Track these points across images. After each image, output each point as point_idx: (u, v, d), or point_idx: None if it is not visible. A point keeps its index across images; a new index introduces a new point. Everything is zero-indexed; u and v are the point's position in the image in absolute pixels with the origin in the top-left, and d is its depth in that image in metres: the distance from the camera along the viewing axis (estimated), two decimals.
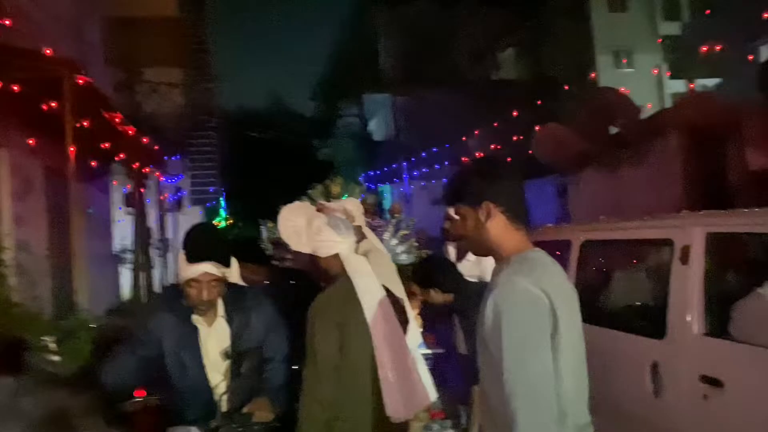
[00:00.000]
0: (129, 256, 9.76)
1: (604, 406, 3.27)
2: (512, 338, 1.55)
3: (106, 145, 7.44)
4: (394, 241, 4.07)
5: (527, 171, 14.38)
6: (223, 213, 20.42)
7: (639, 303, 3.33)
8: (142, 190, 9.10)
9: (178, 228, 12.27)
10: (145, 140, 8.52)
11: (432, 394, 3.50)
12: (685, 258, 2.87)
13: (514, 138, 12.69)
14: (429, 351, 3.72)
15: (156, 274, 10.58)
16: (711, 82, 24.83)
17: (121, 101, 10.19)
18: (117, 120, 7.13)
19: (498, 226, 1.70)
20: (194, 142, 16.52)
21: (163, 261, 11.44)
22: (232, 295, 2.62)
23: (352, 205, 3.08)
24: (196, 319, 2.55)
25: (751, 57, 14.82)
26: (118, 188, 10.43)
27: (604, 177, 9.32)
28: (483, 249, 1.77)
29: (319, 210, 3.12)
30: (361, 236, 3.01)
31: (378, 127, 23.22)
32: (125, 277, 9.92)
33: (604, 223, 3.76)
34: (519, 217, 1.73)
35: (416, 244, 4.11)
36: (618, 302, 3.45)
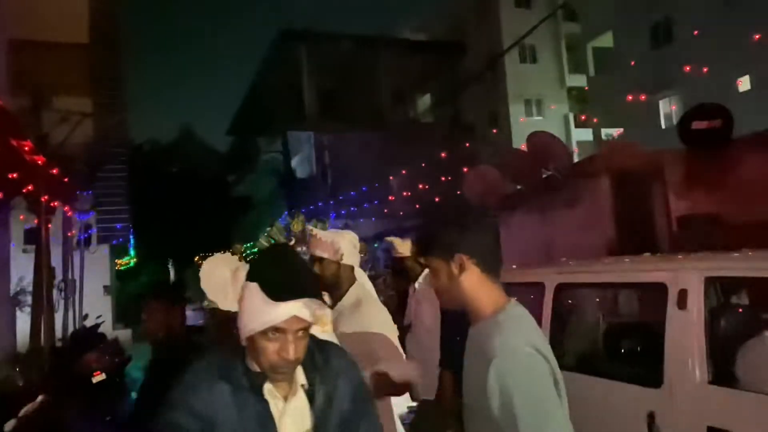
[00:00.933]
0: (28, 298, 8.80)
1: None
2: (534, 412, 1.48)
3: (13, 175, 6.70)
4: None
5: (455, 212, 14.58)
6: (131, 251, 19.16)
7: (628, 350, 3.20)
8: (48, 225, 8.27)
9: (85, 268, 11.25)
10: (54, 171, 7.80)
11: None
12: (682, 303, 2.77)
13: (442, 179, 12.77)
14: (414, 403, 3.41)
15: (59, 318, 9.59)
16: (613, 131, 26.55)
17: (26, 129, 9.34)
18: (26, 148, 6.45)
19: (472, 280, 1.64)
20: (103, 176, 15.50)
21: (67, 304, 10.40)
22: (309, 352, 1.69)
23: (348, 239, 2.73)
24: (269, 391, 1.64)
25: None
26: (19, 223, 9.45)
27: (535, 218, 9.44)
28: (458, 303, 1.69)
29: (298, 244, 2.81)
30: (351, 280, 2.69)
31: (301, 165, 22.84)
32: (23, 322, 8.91)
33: (581, 266, 3.64)
34: (494, 270, 1.67)
35: (383, 287, 3.84)
36: (604, 349, 3.31)
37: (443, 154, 13.89)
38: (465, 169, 11.75)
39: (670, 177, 8.34)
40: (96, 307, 12.15)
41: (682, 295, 2.77)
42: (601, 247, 8.03)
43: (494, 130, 20.83)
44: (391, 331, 2.63)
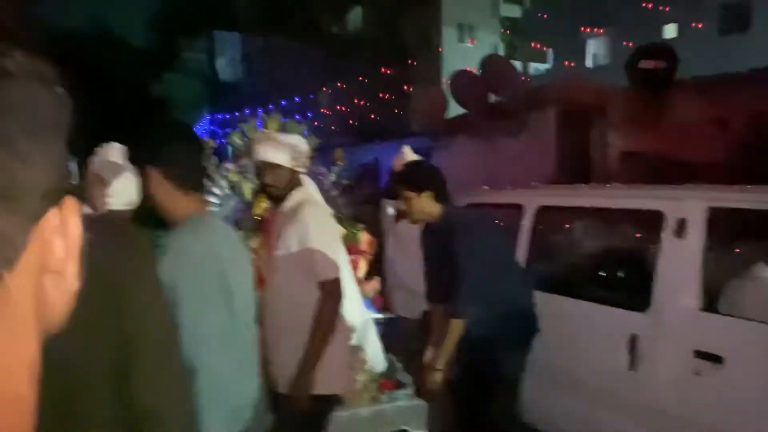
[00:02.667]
0: None
1: (579, 380, 3.20)
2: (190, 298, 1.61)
3: None
4: (335, 192, 3.60)
5: (388, 131, 14.37)
6: None
7: (613, 275, 3.25)
8: None
9: None
10: None
11: (381, 363, 3.16)
12: (681, 232, 2.80)
13: (380, 96, 12.48)
14: (379, 316, 3.37)
15: None
16: (542, 66, 26.91)
17: None
18: None
19: (164, 191, 1.74)
20: None
21: None
22: None
23: (297, 141, 2.52)
24: None
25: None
26: None
27: (477, 145, 9.45)
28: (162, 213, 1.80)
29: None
30: (292, 184, 2.49)
31: (227, 68, 21.55)
32: None
33: (566, 189, 3.62)
34: (187, 182, 1.75)
35: (360, 198, 3.67)
36: (588, 273, 3.35)
37: (382, 70, 13.52)
38: (404, 88, 11.54)
39: (613, 113, 8.55)
40: None
41: (681, 224, 2.80)
42: (540, 178, 8.19)
43: (435, 49, 20.43)
44: (331, 236, 2.50)
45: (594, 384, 3.11)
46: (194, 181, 1.77)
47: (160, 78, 22.64)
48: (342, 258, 2.51)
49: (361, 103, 14.88)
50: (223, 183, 3.30)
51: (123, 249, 1.01)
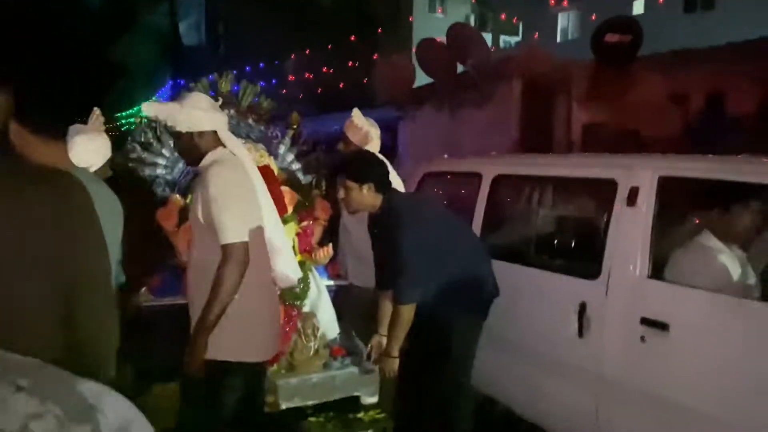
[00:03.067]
0: None
1: (528, 347, 3.23)
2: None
3: None
4: (290, 156, 3.51)
5: (355, 101, 14.20)
6: None
7: (565, 243, 3.26)
8: None
9: None
10: None
11: (334, 330, 3.16)
12: (632, 200, 2.80)
13: (349, 64, 12.28)
14: (332, 283, 3.34)
15: None
16: (511, 39, 26.89)
17: None
18: None
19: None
20: None
21: None
22: None
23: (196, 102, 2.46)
24: None
25: None
26: None
27: (443, 115, 9.41)
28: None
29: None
30: (203, 147, 2.42)
31: (189, 31, 20.90)
32: None
33: (524, 158, 3.60)
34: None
35: (314, 163, 3.58)
36: (541, 242, 3.35)
37: (350, 38, 13.29)
38: (373, 57, 11.37)
39: (576, 86, 8.59)
40: None
41: (633, 192, 2.80)
42: (503, 148, 8.21)
43: (406, 18, 20.18)
44: (238, 196, 2.38)
45: (543, 351, 3.14)
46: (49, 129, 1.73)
47: (121, 41, 21.87)
48: (264, 220, 2.42)
49: (329, 71, 14.64)
50: (172, 145, 3.18)
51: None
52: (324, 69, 14.26)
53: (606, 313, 2.85)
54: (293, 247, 3.07)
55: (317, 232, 3.24)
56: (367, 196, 2.91)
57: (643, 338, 2.67)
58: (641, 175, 2.80)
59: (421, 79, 10.29)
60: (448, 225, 3.16)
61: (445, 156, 4.40)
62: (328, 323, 3.16)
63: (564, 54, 10.47)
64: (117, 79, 21.58)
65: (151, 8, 22.05)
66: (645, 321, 2.66)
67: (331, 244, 3.15)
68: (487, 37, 27.64)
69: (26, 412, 0.81)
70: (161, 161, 3.16)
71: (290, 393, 2.94)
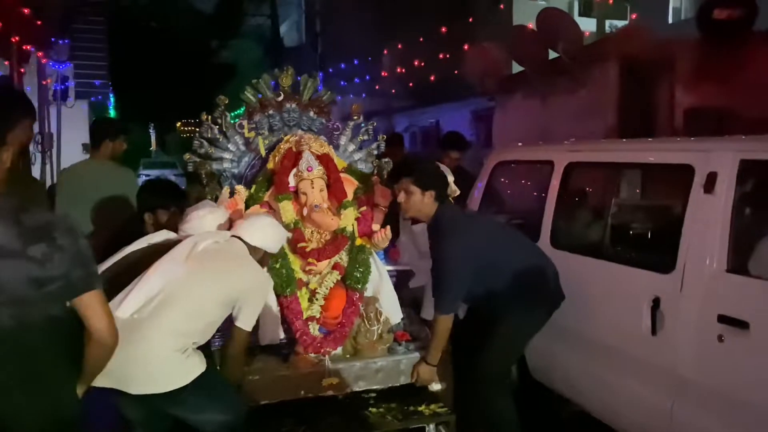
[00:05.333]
0: None
1: (598, 342, 3.08)
2: None
3: None
4: (352, 147, 3.51)
5: (445, 93, 14.06)
6: (111, 111, 18.47)
7: (639, 234, 3.06)
8: (21, 71, 7.73)
9: (62, 123, 10.76)
10: (26, 11, 7.17)
11: (397, 314, 3.13)
12: (710, 187, 2.57)
13: (440, 56, 12.16)
14: (392, 268, 3.32)
15: (36, 171, 9.27)
16: (618, 22, 25.45)
17: None
18: None
19: None
20: (80, 27, 14.53)
21: (44, 158, 10.01)
22: None
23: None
24: None
25: None
26: None
27: (535, 102, 9.09)
28: None
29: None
30: None
31: (290, 32, 21.64)
32: None
33: (595, 144, 3.41)
34: None
35: (375, 152, 3.57)
36: (613, 233, 3.16)
37: (443, 29, 13.14)
38: (465, 47, 11.16)
39: (680, 67, 7.97)
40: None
41: (711, 178, 2.57)
42: (600, 136, 7.80)
43: (500, 6, 19.67)
44: None
45: (616, 348, 2.97)
46: None
47: (226, 44, 23.03)
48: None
49: (421, 64, 14.58)
50: (238, 139, 3.29)
51: None
52: (416, 63, 14.18)
53: (681, 310, 2.65)
54: (353, 232, 3.08)
55: (378, 217, 3.22)
56: (426, 204, 2.96)
57: (720, 337, 2.46)
58: (720, 159, 2.57)
59: (518, 66, 10.00)
60: (502, 234, 3.18)
61: (519, 144, 4.24)
62: (390, 308, 3.12)
63: (677, 35, 9.74)
64: (225, 81, 22.78)
65: (255, 11, 23.04)
66: (723, 318, 2.45)
67: (389, 227, 3.13)
68: (592, 22, 26.38)
69: None
70: (227, 155, 3.26)
71: (355, 377, 2.94)
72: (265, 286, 2.58)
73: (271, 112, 3.31)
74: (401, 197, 3.00)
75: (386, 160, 3.54)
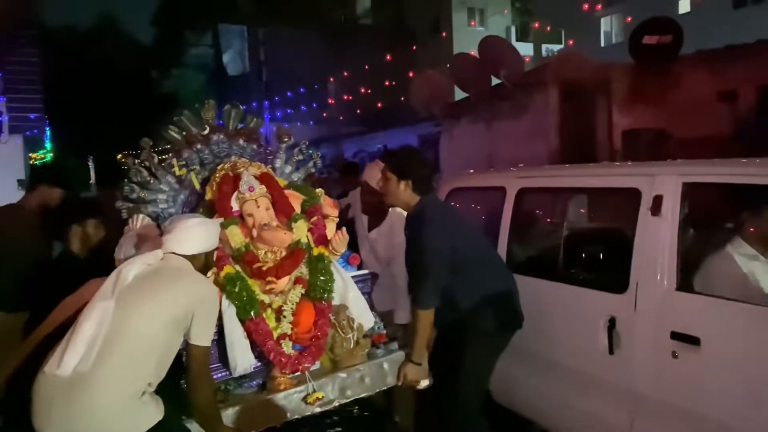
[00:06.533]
0: None
1: (557, 363, 3.13)
2: None
3: None
4: (289, 168, 3.44)
5: (395, 119, 14.26)
6: (48, 145, 17.82)
7: (592, 256, 3.15)
8: None
9: None
10: None
11: (369, 319, 3.08)
12: (656, 209, 2.69)
13: (386, 83, 12.36)
14: (358, 273, 3.23)
15: None
16: (554, 46, 26.50)
17: None
18: None
19: None
20: (13, 60, 14.03)
21: None
22: None
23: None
24: None
25: None
26: None
27: (480, 128, 9.32)
28: None
29: None
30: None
31: (233, 61, 21.51)
32: None
33: (545, 170, 3.52)
34: None
35: (313, 170, 3.53)
36: (567, 256, 3.25)
37: (388, 57, 13.37)
38: (410, 74, 11.38)
39: (615, 90, 8.34)
40: (9, 202, 11.25)
41: (657, 201, 2.69)
42: (543, 159, 8.04)
43: (443, 34, 20.18)
44: None
45: (574, 367, 3.04)
46: None
47: (168, 73, 22.69)
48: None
49: (368, 91, 14.77)
50: (170, 179, 3.13)
51: None
52: (362, 90, 14.36)
53: (636, 328, 2.74)
54: (308, 243, 2.99)
55: (330, 228, 3.13)
56: (402, 192, 2.92)
57: (674, 353, 2.55)
58: (664, 183, 2.69)
59: (462, 93, 10.26)
60: (477, 241, 3.10)
61: (471, 171, 4.33)
62: (361, 313, 3.01)
63: (609, 58, 10.20)
64: (167, 111, 22.37)
65: (196, 41, 22.83)
66: (676, 335, 2.54)
67: (345, 228, 3.08)
68: (529, 46, 27.41)
69: None
70: (162, 196, 3.10)
71: (341, 387, 2.83)
72: (213, 293, 2.37)
73: (199, 146, 3.17)
74: (379, 182, 2.97)
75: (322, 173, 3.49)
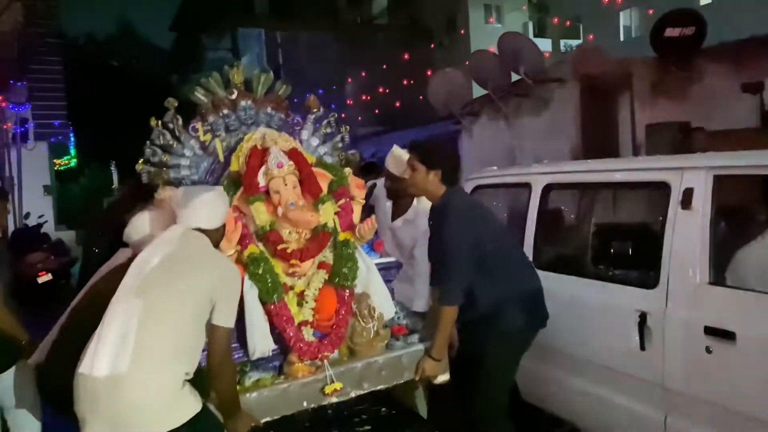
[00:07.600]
0: None
1: (588, 360, 3.10)
2: None
3: None
4: (315, 141, 3.33)
5: (413, 118, 14.24)
6: (72, 151, 18.14)
7: (621, 252, 3.12)
8: None
9: (23, 165, 10.53)
10: None
11: (390, 308, 3.05)
12: (687, 202, 2.65)
13: (404, 82, 12.35)
14: (382, 260, 3.15)
15: None
16: (572, 42, 26.25)
17: None
18: None
19: None
20: (37, 68, 14.32)
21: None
22: None
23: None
24: None
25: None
26: None
27: (500, 124, 9.29)
28: None
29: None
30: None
31: (251, 65, 21.68)
32: None
33: (572, 165, 3.49)
34: None
35: (340, 144, 3.42)
36: (596, 252, 3.22)
37: (406, 56, 13.37)
38: (428, 73, 11.37)
39: (637, 85, 8.26)
40: (36, 207, 11.45)
41: (687, 195, 2.66)
42: (566, 154, 7.98)
43: (461, 31, 20.12)
44: None
45: (606, 365, 3.00)
46: None
47: (187, 78, 22.86)
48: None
49: (386, 91, 14.77)
50: (194, 144, 3.02)
51: None
52: (380, 90, 14.38)
53: (668, 324, 2.70)
54: (334, 227, 2.92)
55: (356, 210, 3.06)
56: (430, 183, 2.85)
57: (708, 349, 2.51)
58: (694, 176, 2.65)
59: (480, 90, 10.23)
60: (502, 237, 3.06)
61: (494, 168, 4.31)
62: (383, 302, 2.95)
63: (628, 53, 10.09)
64: (188, 116, 22.50)
65: (215, 45, 23.00)
66: (710, 330, 2.50)
67: (374, 216, 3.04)
68: (547, 42, 27.16)
69: None
70: (184, 162, 3.00)
71: (358, 379, 2.78)
72: (235, 275, 2.34)
73: (225, 111, 3.06)
74: (407, 173, 2.92)
75: (353, 151, 3.40)
